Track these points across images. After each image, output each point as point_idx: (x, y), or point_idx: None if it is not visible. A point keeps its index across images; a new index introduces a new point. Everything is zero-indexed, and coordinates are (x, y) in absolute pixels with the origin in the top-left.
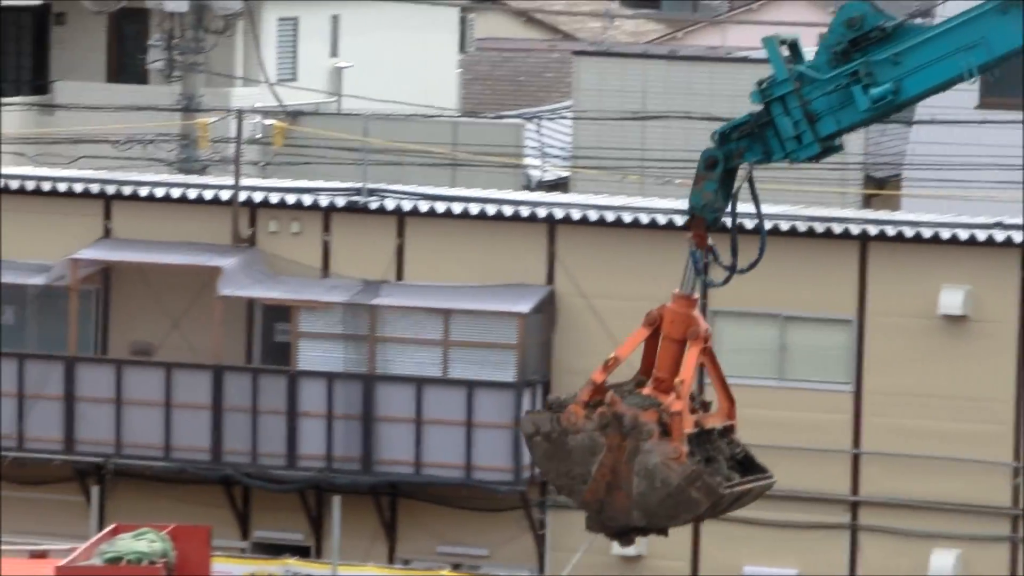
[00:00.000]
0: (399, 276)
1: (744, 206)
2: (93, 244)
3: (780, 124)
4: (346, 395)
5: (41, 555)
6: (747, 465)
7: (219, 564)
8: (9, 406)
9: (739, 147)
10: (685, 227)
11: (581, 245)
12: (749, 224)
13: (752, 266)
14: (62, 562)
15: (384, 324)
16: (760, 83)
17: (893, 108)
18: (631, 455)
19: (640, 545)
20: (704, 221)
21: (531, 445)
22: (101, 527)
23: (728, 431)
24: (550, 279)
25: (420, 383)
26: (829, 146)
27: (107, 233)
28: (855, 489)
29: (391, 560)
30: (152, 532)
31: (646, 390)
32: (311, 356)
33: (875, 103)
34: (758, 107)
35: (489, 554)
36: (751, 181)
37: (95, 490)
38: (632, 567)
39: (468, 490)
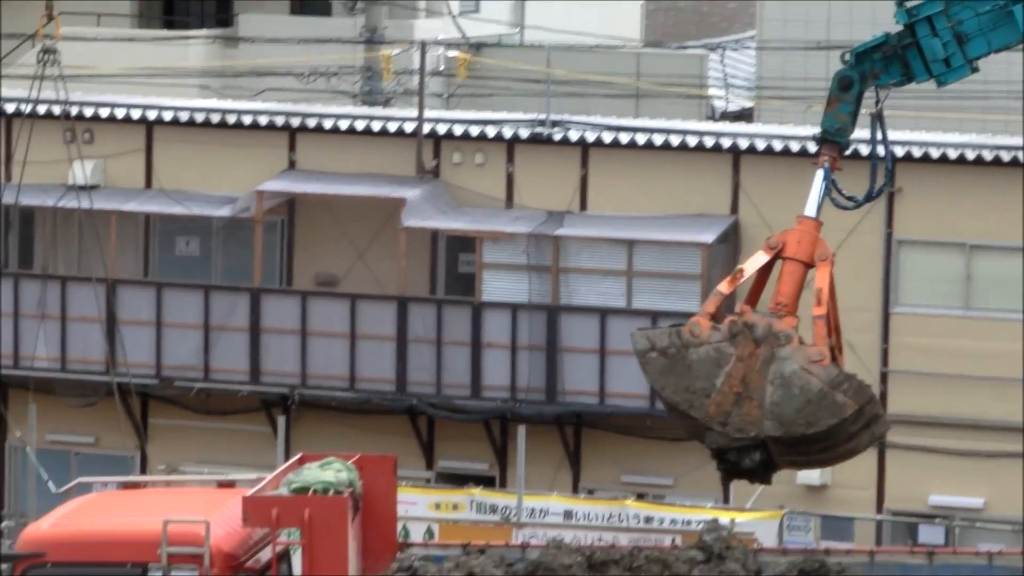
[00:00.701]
0: (583, 207)
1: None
2: (278, 176)
3: (927, 45)
4: (530, 326)
5: (228, 485)
6: None
7: (405, 494)
8: (195, 337)
9: (875, 68)
10: (816, 152)
11: (765, 175)
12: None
13: (880, 192)
14: (249, 492)
15: (568, 255)
16: (903, 1)
17: None
18: (764, 363)
19: (825, 474)
20: (838, 145)
21: (645, 362)
22: (287, 457)
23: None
24: (734, 209)
25: (604, 313)
26: (975, 68)
27: (291, 165)
28: None
29: (575, 490)
30: (338, 462)
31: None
32: (495, 287)
33: None
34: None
35: (673, 484)
36: (880, 115)
37: (281, 420)
38: (817, 497)
39: (652, 420)
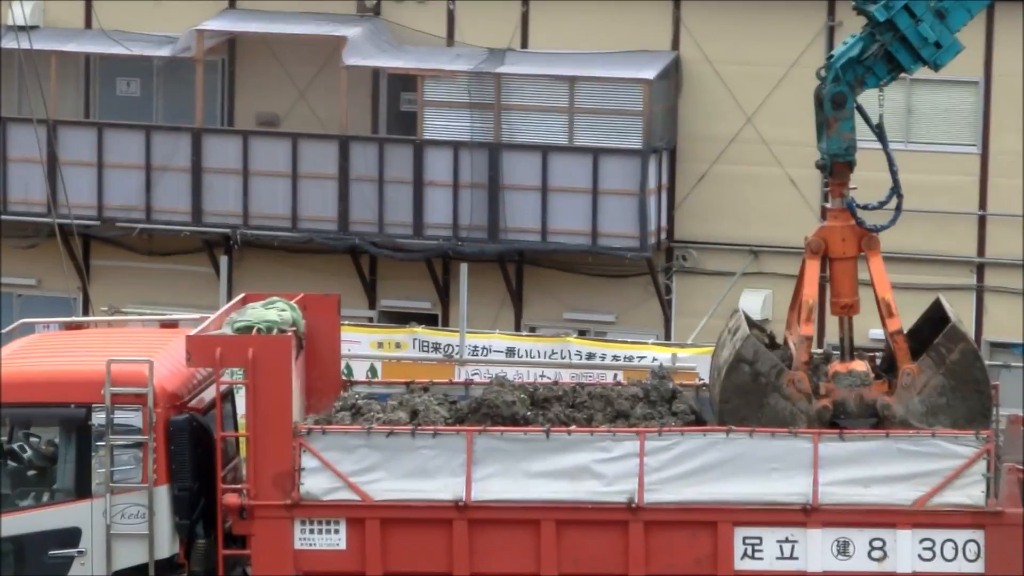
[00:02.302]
0: (524, 44)
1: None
2: (218, 15)
3: (914, 34)
4: (472, 164)
5: (171, 325)
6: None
7: (348, 333)
8: (137, 178)
9: (859, 75)
10: (826, 178)
11: (706, 11)
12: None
13: (900, 206)
14: (193, 332)
15: (509, 92)
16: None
17: None
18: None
19: (765, 308)
20: (849, 166)
21: (736, 368)
22: (230, 297)
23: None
24: (675, 45)
25: (546, 150)
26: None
27: (232, 3)
28: (981, 250)
29: (518, 327)
30: (281, 301)
31: (839, 366)
32: (437, 125)
33: None
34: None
35: (615, 320)
36: (881, 126)
37: (223, 260)
38: None
39: (594, 257)
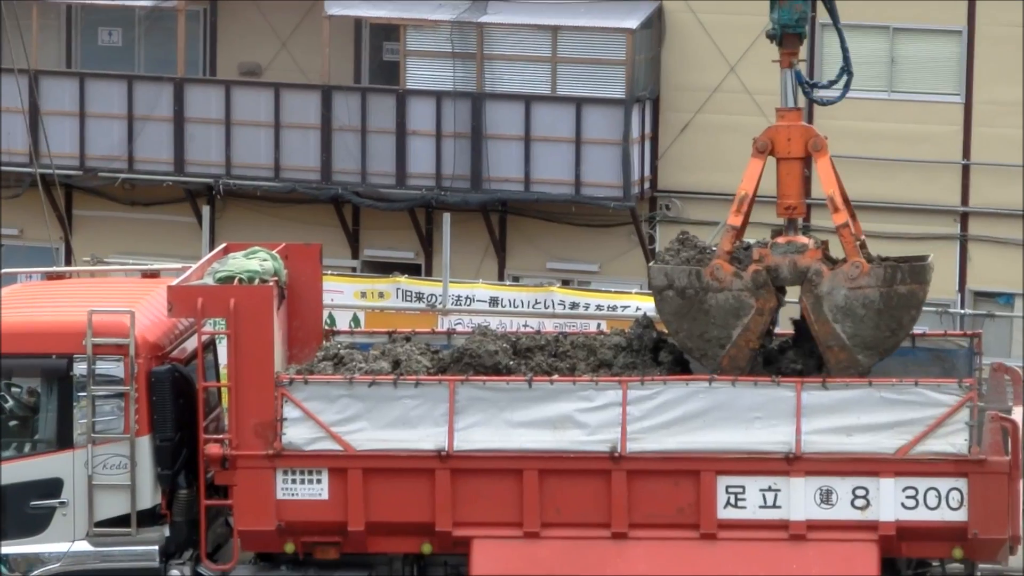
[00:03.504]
0: None
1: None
2: None
3: None
4: (455, 113)
5: (153, 275)
6: None
7: (330, 282)
8: (119, 128)
9: None
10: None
11: None
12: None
13: (849, 81)
14: (174, 282)
15: (492, 42)
16: None
17: None
18: (816, 309)
19: None
20: (799, 37)
21: (660, 299)
22: (212, 247)
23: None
24: None
25: (529, 100)
26: None
27: None
28: (965, 200)
29: (501, 277)
30: (263, 251)
31: (781, 239)
32: (419, 75)
33: None
34: None
35: (599, 269)
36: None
37: (205, 210)
38: None
39: (577, 206)
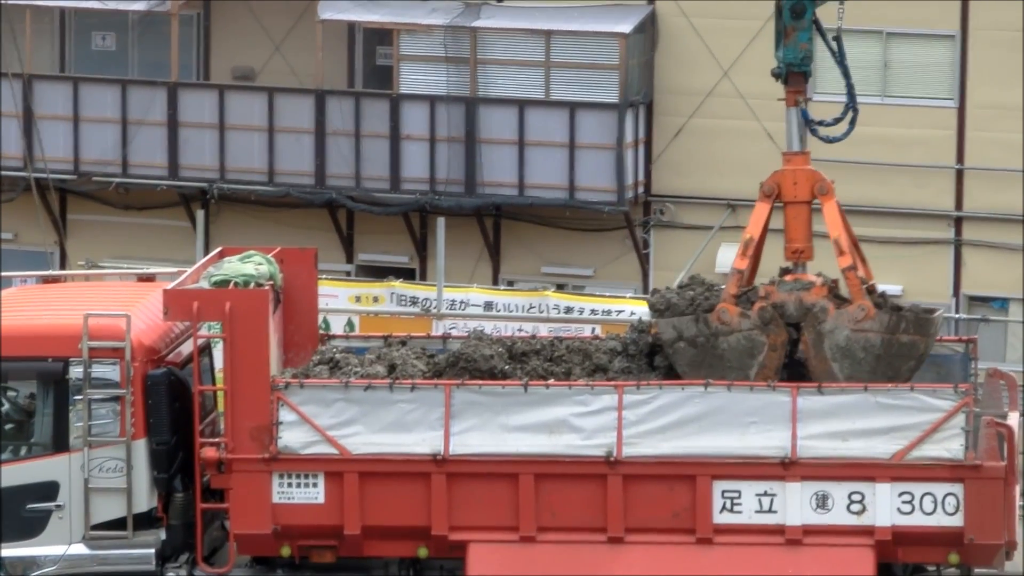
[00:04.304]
0: None
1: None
2: None
3: None
4: (448, 118)
5: (149, 279)
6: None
7: (325, 287)
8: (113, 132)
9: None
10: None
11: None
12: None
13: (855, 115)
14: (170, 285)
15: (485, 46)
16: None
17: None
18: (816, 346)
19: None
20: (804, 76)
21: (673, 352)
22: (207, 251)
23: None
24: None
25: (522, 105)
26: None
27: None
28: (959, 204)
29: (495, 281)
30: (259, 255)
31: (788, 277)
32: (413, 79)
33: None
34: None
35: (593, 274)
36: (839, 37)
37: (200, 214)
38: None
39: (572, 211)
